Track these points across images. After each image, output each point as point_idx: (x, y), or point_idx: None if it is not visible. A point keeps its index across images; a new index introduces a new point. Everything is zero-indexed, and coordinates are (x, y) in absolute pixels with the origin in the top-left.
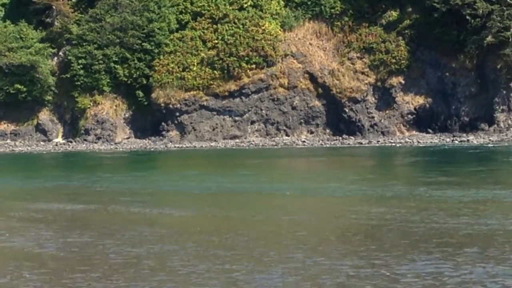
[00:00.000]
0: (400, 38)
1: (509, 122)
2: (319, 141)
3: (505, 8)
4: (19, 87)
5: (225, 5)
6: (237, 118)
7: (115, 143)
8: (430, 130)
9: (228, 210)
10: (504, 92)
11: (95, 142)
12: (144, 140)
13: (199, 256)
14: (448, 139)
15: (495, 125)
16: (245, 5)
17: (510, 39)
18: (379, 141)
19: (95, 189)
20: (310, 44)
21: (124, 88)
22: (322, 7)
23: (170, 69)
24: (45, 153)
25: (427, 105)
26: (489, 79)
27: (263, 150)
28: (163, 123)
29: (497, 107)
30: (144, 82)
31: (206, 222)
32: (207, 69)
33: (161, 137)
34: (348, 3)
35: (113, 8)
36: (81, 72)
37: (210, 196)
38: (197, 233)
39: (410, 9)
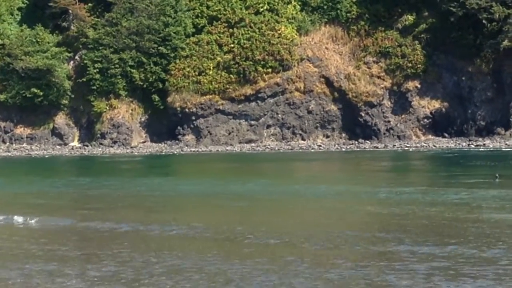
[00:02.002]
0: (416, 42)
1: None
2: (335, 145)
3: None
4: (35, 91)
5: (241, 9)
6: (253, 122)
7: (131, 147)
8: (446, 135)
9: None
10: None
11: (111, 146)
12: (160, 144)
13: None
14: (464, 143)
15: (511, 129)
16: (261, 9)
17: None
18: (395, 145)
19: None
20: (326, 48)
21: (140, 92)
22: (338, 11)
23: (186, 73)
24: (63, 155)
25: (443, 109)
26: (506, 83)
27: (279, 154)
28: (179, 127)
29: None
30: (160, 86)
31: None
32: (223, 73)
33: (177, 141)
34: (364, 7)
35: (129, 12)
36: (97, 76)
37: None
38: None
39: (426, 13)
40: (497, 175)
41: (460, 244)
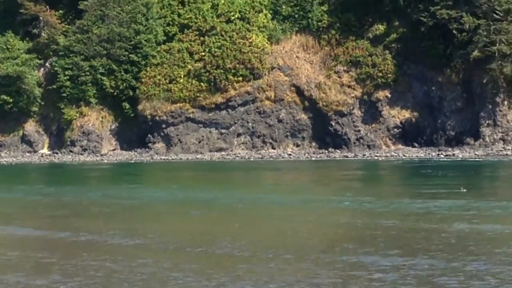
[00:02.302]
0: (387, 51)
1: (495, 136)
2: (305, 154)
3: (491, 23)
4: (5, 98)
5: (212, 17)
6: (223, 131)
7: (101, 155)
8: (416, 144)
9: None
10: (490, 106)
11: (81, 154)
12: (130, 152)
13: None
14: (433, 153)
15: (481, 140)
16: (233, 18)
17: (496, 54)
18: (365, 155)
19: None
20: (297, 57)
21: (111, 100)
22: (309, 20)
23: (157, 81)
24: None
25: (413, 119)
26: (475, 93)
27: (249, 163)
28: (149, 135)
29: (483, 122)
30: (131, 93)
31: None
32: (193, 81)
33: (147, 149)
34: (335, 17)
35: (100, 20)
36: (68, 83)
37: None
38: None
39: (397, 23)
40: (463, 189)
41: (415, 255)
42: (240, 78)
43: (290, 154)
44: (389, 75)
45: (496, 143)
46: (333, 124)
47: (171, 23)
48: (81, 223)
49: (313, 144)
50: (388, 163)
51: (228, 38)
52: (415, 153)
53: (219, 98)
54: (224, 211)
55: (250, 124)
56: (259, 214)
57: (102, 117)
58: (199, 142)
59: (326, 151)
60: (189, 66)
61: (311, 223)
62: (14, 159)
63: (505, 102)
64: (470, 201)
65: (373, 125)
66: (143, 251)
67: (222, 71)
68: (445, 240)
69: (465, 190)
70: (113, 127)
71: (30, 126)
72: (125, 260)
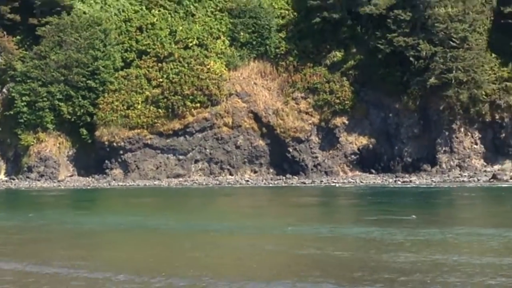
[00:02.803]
0: (344, 78)
1: (451, 163)
2: (262, 181)
3: (448, 50)
4: None
5: (170, 43)
6: (181, 157)
7: (58, 181)
8: (373, 171)
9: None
10: (447, 133)
11: (38, 180)
12: (87, 178)
13: None
14: (391, 180)
15: (438, 166)
16: (190, 44)
17: (453, 81)
18: (322, 181)
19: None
20: (255, 83)
21: (68, 126)
22: (267, 47)
23: (115, 107)
24: None
25: (371, 146)
26: (432, 120)
27: (206, 189)
28: (106, 161)
29: (440, 148)
30: (88, 120)
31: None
32: (151, 107)
33: (104, 175)
34: (293, 43)
35: (58, 46)
36: (25, 109)
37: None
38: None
39: (354, 50)
40: (413, 215)
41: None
42: (198, 105)
43: (248, 181)
44: (346, 102)
45: (453, 170)
46: (291, 150)
47: (129, 49)
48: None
49: (271, 170)
50: (344, 189)
51: (186, 65)
52: (372, 179)
53: (177, 124)
54: (162, 237)
55: (208, 150)
56: (196, 240)
57: (59, 143)
58: (157, 168)
59: (284, 177)
60: (147, 92)
61: (239, 250)
62: None
63: (462, 129)
64: (417, 229)
65: (330, 152)
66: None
67: (180, 97)
68: (376, 269)
69: (415, 217)
70: (70, 153)
71: None
72: None
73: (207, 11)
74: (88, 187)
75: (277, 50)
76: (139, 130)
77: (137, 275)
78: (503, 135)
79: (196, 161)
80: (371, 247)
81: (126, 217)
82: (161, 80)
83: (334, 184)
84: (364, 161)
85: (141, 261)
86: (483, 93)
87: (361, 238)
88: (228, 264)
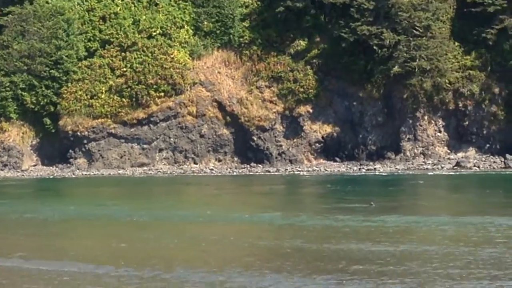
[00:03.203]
0: (308, 67)
1: (415, 151)
2: (227, 169)
3: (411, 39)
4: None
5: (133, 33)
6: (145, 146)
7: (22, 171)
8: (337, 159)
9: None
10: (410, 121)
11: (1, 170)
12: (51, 168)
13: None
14: (355, 168)
15: (402, 154)
16: (154, 34)
17: (416, 69)
18: (287, 169)
19: None
20: (219, 72)
21: (32, 116)
22: (231, 36)
23: (78, 96)
24: None
25: (335, 134)
26: (396, 108)
27: (169, 178)
28: (70, 151)
29: (403, 136)
30: (52, 109)
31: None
32: (115, 96)
33: (68, 165)
34: (256, 32)
35: (21, 35)
36: None
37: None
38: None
39: (318, 39)
40: (372, 203)
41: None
42: (162, 94)
43: (212, 169)
44: (310, 91)
45: (417, 157)
46: (255, 139)
47: (92, 38)
48: None
49: (235, 159)
50: (307, 178)
51: (149, 54)
52: (337, 167)
53: (141, 114)
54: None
55: (172, 139)
56: (147, 228)
57: (23, 133)
58: (121, 157)
59: (248, 166)
60: (111, 82)
61: (192, 238)
62: None
63: (425, 117)
64: (374, 216)
65: (294, 140)
66: None
67: (144, 86)
68: (332, 259)
69: (374, 205)
70: (34, 142)
71: None
72: None
73: (170, 0)
74: (52, 177)
75: (241, 39)
76: (103, 120)
77: (97, 265)
78: (467, 123)
79: (160, 150)
80: (327, 236)
81: (88, 206)
82: (124, 69)
83: (298, 172)
84: (329, 149)
85: (101, 251)
86: (447, 81)
87: (318, 227)
88: (186, 254)
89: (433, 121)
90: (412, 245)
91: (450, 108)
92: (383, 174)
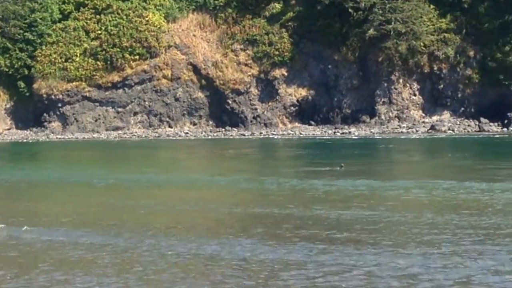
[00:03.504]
0: (284, 30)
1: (390, 114)
2: (202, 133)
3: (386, 2)
4: None
5: None
6: (119, 110)
7: None
8: (312, 122)
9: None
10: (385, 84)
11: None
12: (25, 131)
13: None
14: (330, 131)
15: (377, 117)
16: None
17: (392, 32)
18: (262, 133)
19: None
20: (194, 35)
21: (5, 79)
22: None
23: (53, 59)
24: None
25: (310, 97)
26: (371, 71)
27: (144, 142)
28: (45, 114)
29: (379, 100)
30: (26, 72)
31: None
32: (90, 60)
33: (43, 128)
34: None
35: None
36: None
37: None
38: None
39: (293, 2)
40: (342, 164)
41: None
42: (137, 57)
43: (187, 133)
44: (285, 54)
45: (392, 121)
46: (230, 102)
47: (66, 1)
48: None
49: (210, 122)
50: (281, 141)
51: (124, 17)
52: (312, 131)
53: (115, 77)
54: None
55: (147, 102)
56: (130, 194)
57: None
58: (96, 121)
59: (223, 129)
60: (85, 45)
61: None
62: None
63: (400, 80)
64: (341, 180)
65: (269, 104)
66: None
67: (118, 49)
68: (301, 225)
69: (343, 168)
70: (8, 106)
71: None
72: None
73: None
74: (26, 141)
75: (216, 2)
76: (77, 83)
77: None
78: (441, 86)
79: (135, 114)
80: (294, 200)
81: (63, 170)
82: (99, 32)
83: (273, 135)
84: (304, 112)
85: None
86: (422, 44)
87: (285, 191)
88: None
89: (408, 85)
90: (383, 211)
91: (425, 71)
92: (355, 138)
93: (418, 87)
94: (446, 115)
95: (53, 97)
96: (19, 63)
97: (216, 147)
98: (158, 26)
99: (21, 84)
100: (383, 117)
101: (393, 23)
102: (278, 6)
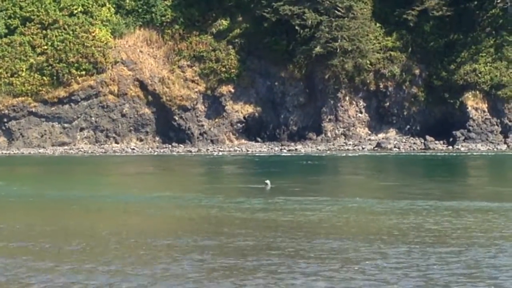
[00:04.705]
0: (230, 47)
1: (336, 131)
2: (148, 149)
3: (333, 19)
4: None
5: (54, 10)
6: (66, 125)
7: None
8: (259, 139)
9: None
10: (332, 102)
11: None
12: None
13: None
14: (276, 148)
15: (323, 135)
16: (75, 11)
17: (338, 50)
18: (208, 150)
19: None
20: (141, 51)
21: None
22: (153, 14)
23: None
24: None
25: (257, 114)
26: (317, 89)
27: (89, 158)
28: None
29: (325, 117)
30: None
31: None
32: (36, 75)
33: None
34: (179, 11)
35: None
36: None
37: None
38: None
39: (240, 18)
40: (266, 182)
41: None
42: (83, 72)
43: (133, 149)
44: (232, 70)
45: (338, 138)
46: (177, 118)
47: (12, 16)
48: None
49: (157, 138)
50: (223, 158)
51: (71, 32)
52: (258, 148)
53: (62, 92)
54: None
55: (93, 118)
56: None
57: None
58: (42, 136)
59: (170, 145)
60: (31, 60)
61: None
62: None
63: (347, 98)
64: (266, 198)
65: (216, 120)
66: None
67: (65, 65)
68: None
69: (269, 187)
70: None
71: None
72: None
73: None
74: None
75: (163, 18)
76: (23, 98)
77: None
78: (387, 104)
79: (82, 129)
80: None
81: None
82: (45, 47)
83: (220, 152)
84: (250, 129)
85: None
86: (368, 62)
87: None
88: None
89: (354, 102)
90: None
91: (371, 89)
92: (303, 154)
93: (364, 104)
94: (392, 132)
95: None
96: None
97: (146, 164)
98: (105, 42)
99: None
100: (329, 134)
101: (339, 41)
102: (225, 23)
